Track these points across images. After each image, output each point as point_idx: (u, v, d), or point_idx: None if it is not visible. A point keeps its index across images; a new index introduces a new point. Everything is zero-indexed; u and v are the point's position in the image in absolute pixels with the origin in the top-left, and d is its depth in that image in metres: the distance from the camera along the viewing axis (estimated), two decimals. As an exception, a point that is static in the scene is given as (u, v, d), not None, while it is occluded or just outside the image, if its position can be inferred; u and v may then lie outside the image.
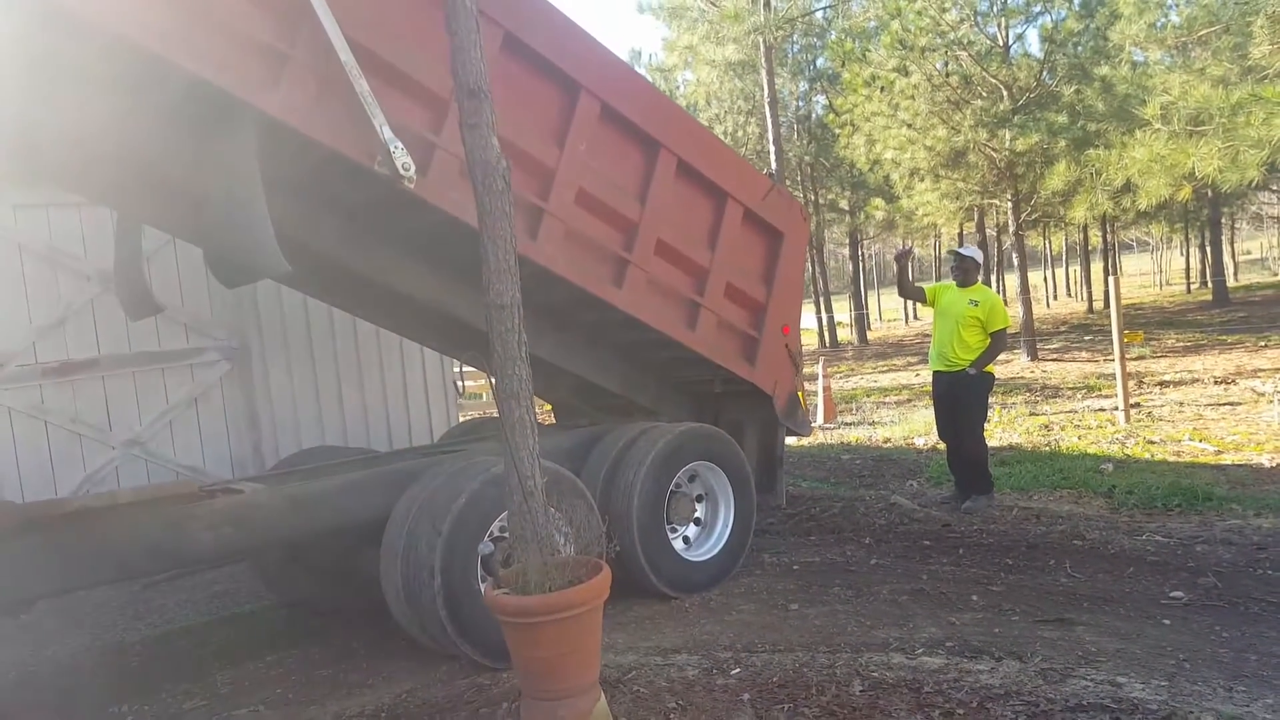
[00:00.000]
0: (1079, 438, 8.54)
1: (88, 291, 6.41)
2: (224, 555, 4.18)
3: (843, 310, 29.33)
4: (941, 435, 6.49)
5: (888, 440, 9.61)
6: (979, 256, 6.53)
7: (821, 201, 24.44)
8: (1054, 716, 3.05)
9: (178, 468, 6.73)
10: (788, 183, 24.64)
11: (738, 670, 3.76)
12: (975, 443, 6.20)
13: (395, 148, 3.91)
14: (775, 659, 3.86)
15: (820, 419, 11.48)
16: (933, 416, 6.71)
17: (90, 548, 3.72)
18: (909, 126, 14.52)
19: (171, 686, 4.41)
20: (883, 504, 6.41)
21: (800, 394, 5.81)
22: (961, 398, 6.19)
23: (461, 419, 8.23)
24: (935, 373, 6.37)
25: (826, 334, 26.98)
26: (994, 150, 14.57)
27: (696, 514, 5.23)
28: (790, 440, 10.54)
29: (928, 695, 3.34)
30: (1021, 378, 14.41)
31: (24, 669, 4.80)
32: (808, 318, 32.79)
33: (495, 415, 7.38)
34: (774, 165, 11.92)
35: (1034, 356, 16.65)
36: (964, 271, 6.32)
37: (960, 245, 6.48)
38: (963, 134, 14.07)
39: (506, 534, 4.29)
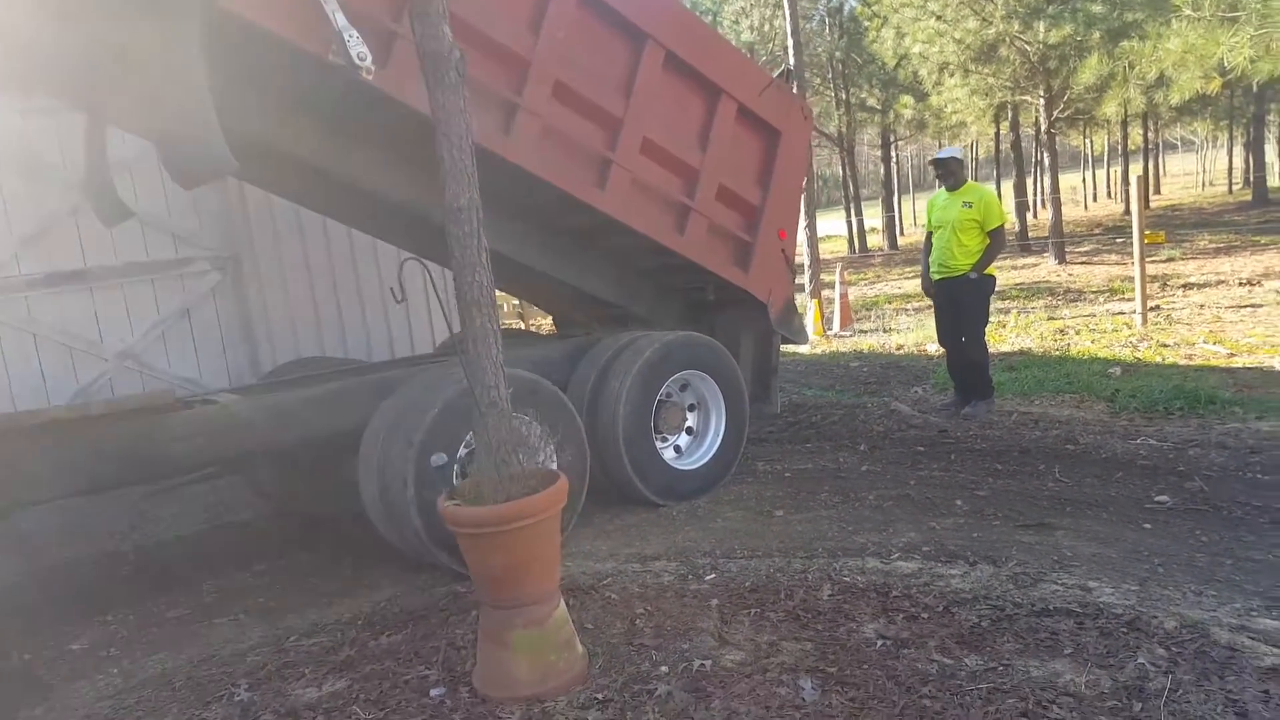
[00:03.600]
0: (1093, 341, 8.29)
1: (69, 201, 6.27)
2: (197, 466, 4.14)
3: (874, 216, 28.65)
4: (942, 341, 6.29)
5: (900, 347, 9.41)
6: (959, 153, 6.24)
7: (852, 100, 23.57)
8: (1019, 620, 2.98)
9: (172, 379, 6.71)
10: (817, 81, 23.75)
11: (712, 576, 3.71)
12: (976, 347, 6.01)
13: (350, 36, 3.67)
14: (751, 565, 3.79)
15: (836, 326, 11.27)
16: None
17: (60, 459, 3.69)
18: (938, 18, 13.74)
19: (159, 595, 4.45)
20: (883, 411, 6.28)
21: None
22: (962, 303, 5.97)
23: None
24: (936, 281, 6.12)
25: (856, 239, 26.43)
26: (1026, 43, 13.80)
27: (688, 423, 5.13)
28: (802, 349, 10.46)
29: (894, 599, 3.27)
30: (1046, 281, 14.02)
31: (16, 577, 4.87)
32: (837, 223, 32.19)
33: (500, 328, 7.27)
34: (792, 59, 11.33)
35: (1062, 260, 16.17)
36: (950, 174, 6.03)
37: (948, 147, 6.15)
38: (994, 25, 13.30)
39: (470, 448, 4.23)
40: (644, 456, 4.70)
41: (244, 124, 4.29)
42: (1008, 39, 13.48)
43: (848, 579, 3.50)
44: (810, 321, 11.30)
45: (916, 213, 36.24)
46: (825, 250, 28.11)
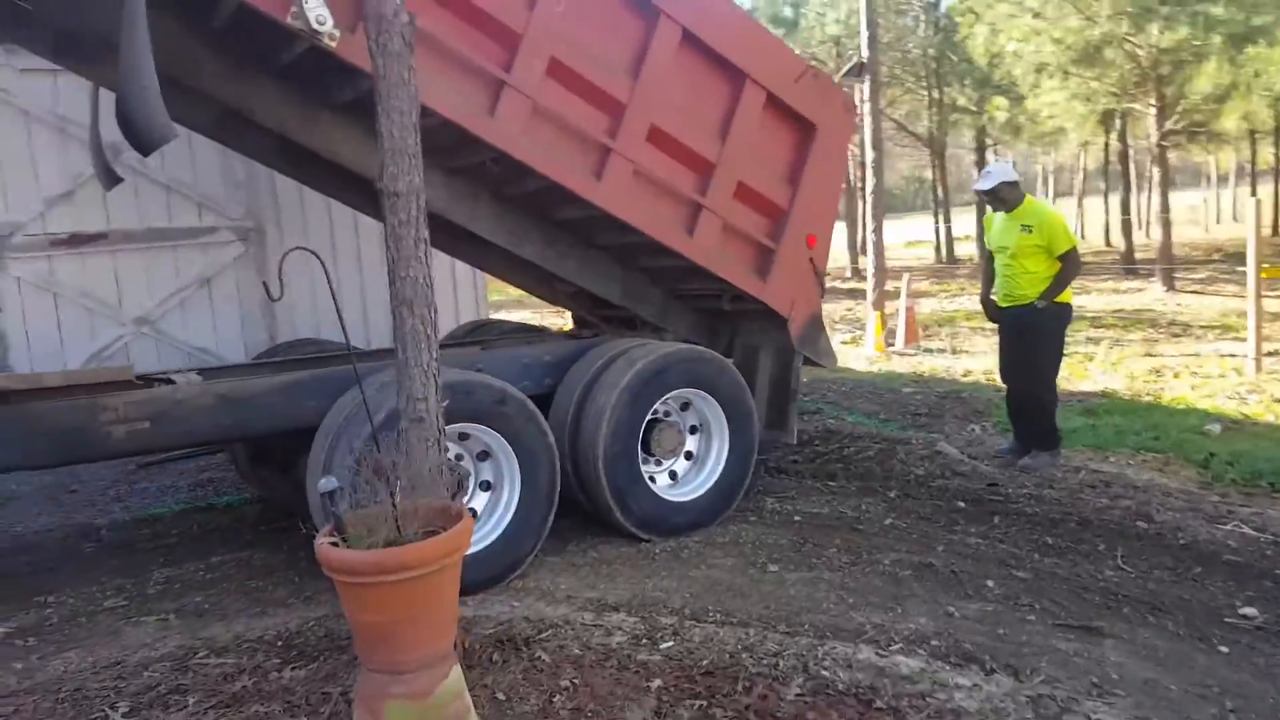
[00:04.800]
0: (1193, 388, 7.32)
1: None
2: (138, 450, 3.88)
3: (969, 223, 27.16)
4: (1003, 376, 5.54)
5: (967, 374, 8.60)
6: (1007, 174, 5.28)
7: (946, 101, 22.31)
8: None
9: (189, 349, 6.58)
10: (910, 79, 22.59)
11: (669, 644, 3.19)
12: (1043, 388, 5.23)
13: (309, -1, 3.28)
14: (719, 635, 3.26)
15: (900, 342, 10.49)
16: None
17: (-2, 431, 3.46)
18: (1036, 15, 12.62)
19: (108, 579, 4.22)
20: (927, 450, 5.59)
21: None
22: (1029, 335, 5.21)
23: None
24: (1001, 308, 5.37)
25: (944, 247, 25.16)
26: (1136, 45, 12.55)
27: (688, 447, 4.60)
28: (857, 366, 9.74)
29: (876, 714, 2.68)
30: (1149, 310, 12.81)
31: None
32: (924, 227, 30.61)
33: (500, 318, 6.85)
34: (865, 52, 10.54)
35: (1170, 287, 14.83)
36: (1000, 200, 5.23)
37: (993, 167, 5.17)
38: (1099, 25, 12.12)
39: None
40: (626, 483, 4.20)
41: (217, 92, 4.00)
42: (1114, 40, 12.25)
43: (827, 673, 2.92)
44: (870, 335, 10.56)
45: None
46: (911, 257, 26.92)
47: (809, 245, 4.77)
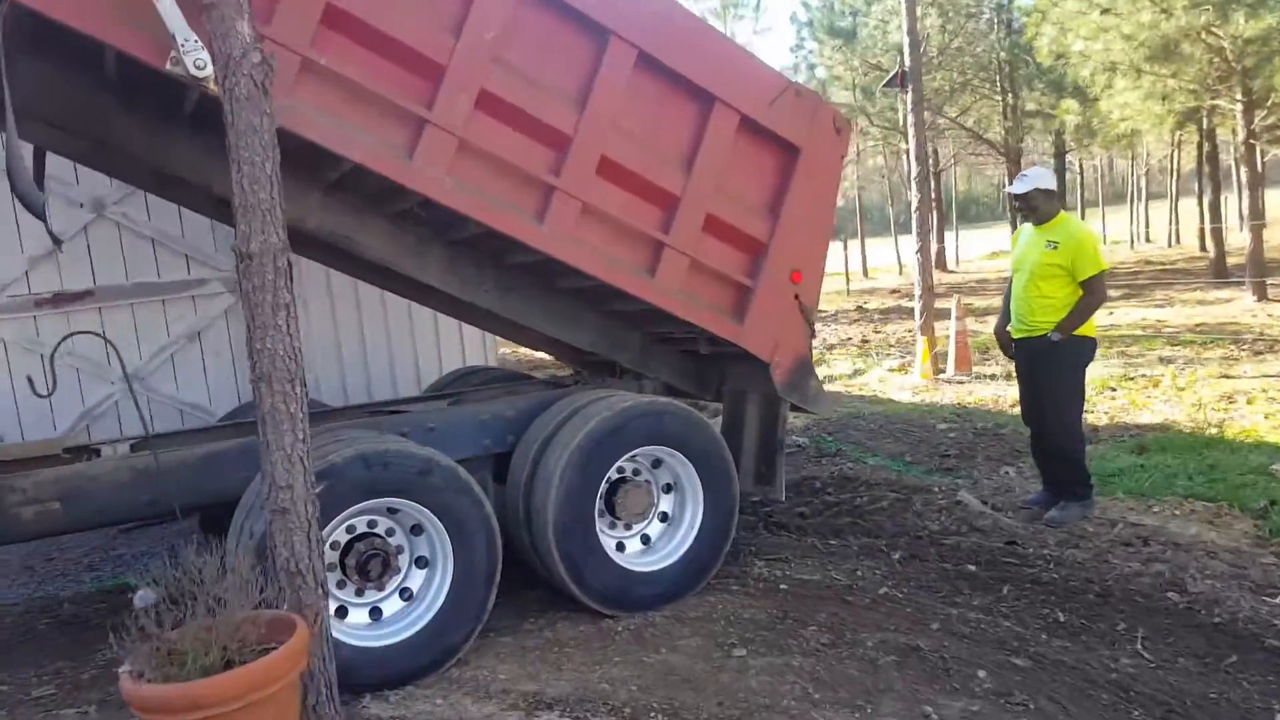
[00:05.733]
0: (1265, 416, 6.49)
1: (80, 219, 6.10)
2: (50, 532, 3.64)
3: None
4: (1025, 419, 4.92)
5: (1015, 404, 7.88)
6: (1044, 179, 4.69)
7: (1020, 106, 21.34)
8: None
9: (180, 405, 6.45)
10: (985, 86, 21.70)
11: (591, 756, 2.75)
12: (1062, 433, 4.59)
13: (186, 41, 3.01)
14: (654, 742, 2.80)
15: (951, 369, 9.79)
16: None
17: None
18: (1105, 11, 11.78)
19: (49, 662, 4.00)
20: (947, 500, 5.00)
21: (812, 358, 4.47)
22: (1041, 372, 4.60)
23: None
24: (1016, 340, 4.78)
25: (1015, 263, 23.97)
26: (1218, 36, 11.59)
27: (662, 508, 4.16)
28: (899, 396, 9.10)
29: None
30: (1234, 324, 11.74)
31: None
32: (1000, 238, 29.24)
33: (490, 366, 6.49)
34: (907, 60, 9.95)
35: (1262, 297, 13.63)
36: (1032, 209, 4.64)
37: (1030, 170, 4.54)
38: (1175, 17, 11.21)
39: (353, 535, 3.48)
40: (582, 553, 3.77)
41: (133, 147, 3.79)
42: (1193, 33, 11.31)
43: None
44: (917, 362, 9.89)
45: (1108, 232, 32.52)
46: (992, 270, 25.72)
47: (794, 281, 4.29)
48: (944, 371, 9.75)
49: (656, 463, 4.13)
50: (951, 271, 25.89)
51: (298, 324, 2.73)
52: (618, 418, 3.85)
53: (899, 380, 9.92)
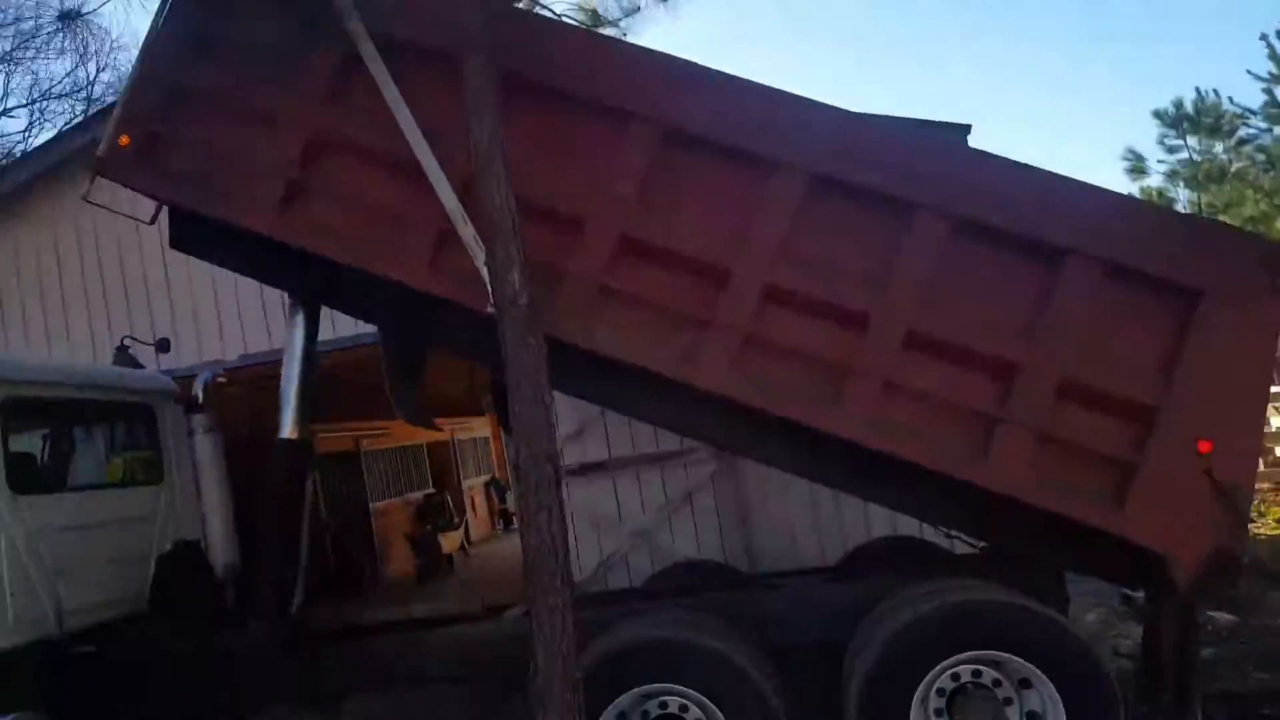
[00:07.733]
0: None
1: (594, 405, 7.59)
2: None
3: None
4: None
5: None
6: None
7: None
8: None
9: (675, 556, 7.35)
10: None
11: None
12: None
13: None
14: None
15: None
16: None
17: None
18: None
19: None
20: None
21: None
22: None
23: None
24: None
25: None
26: None
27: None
28: None
29: None
30: None
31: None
32: None
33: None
34: None
35: None
36: None
37: None
38: None
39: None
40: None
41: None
42: None
43: None
44: None
45: None
46: None
47: (1200, 451, 3.28)
48: None
49: (1025, 682, 3.42)
50: None
51: (561, 524, 3.16)
52: (925, 623, 3.40)
53: None
